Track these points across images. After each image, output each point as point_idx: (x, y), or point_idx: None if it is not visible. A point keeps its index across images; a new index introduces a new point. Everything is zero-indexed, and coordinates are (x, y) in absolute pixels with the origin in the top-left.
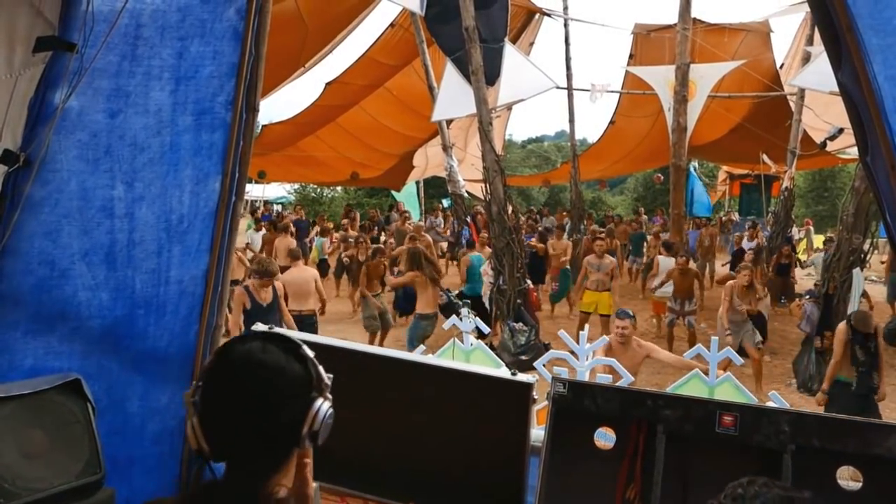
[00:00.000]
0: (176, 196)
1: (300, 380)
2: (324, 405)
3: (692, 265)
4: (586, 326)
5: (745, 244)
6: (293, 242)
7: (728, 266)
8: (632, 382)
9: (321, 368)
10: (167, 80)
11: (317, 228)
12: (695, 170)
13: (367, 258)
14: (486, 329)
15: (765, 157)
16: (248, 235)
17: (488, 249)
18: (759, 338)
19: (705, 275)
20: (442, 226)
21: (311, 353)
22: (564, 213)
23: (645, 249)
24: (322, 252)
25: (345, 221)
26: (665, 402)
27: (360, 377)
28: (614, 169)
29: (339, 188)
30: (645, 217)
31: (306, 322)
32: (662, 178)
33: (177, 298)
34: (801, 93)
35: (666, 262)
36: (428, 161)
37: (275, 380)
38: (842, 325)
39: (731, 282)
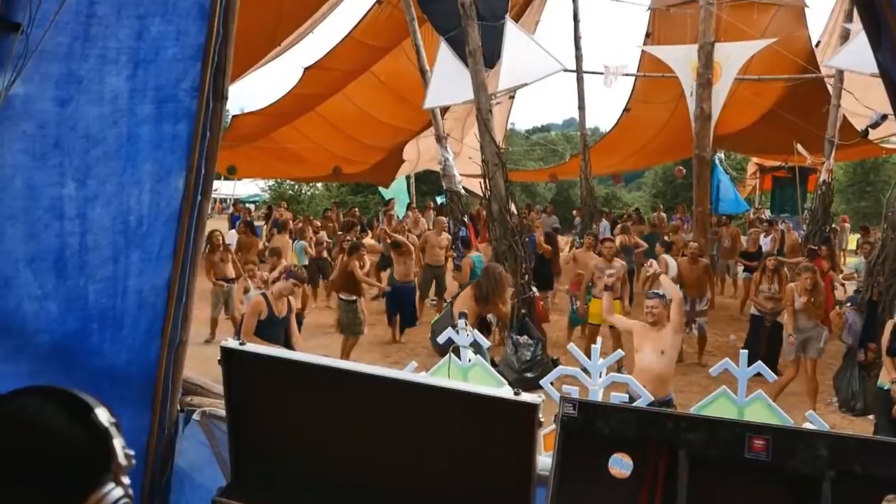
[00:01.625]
0: (134, 195)
1: (83, 453)
2: (114, 492)
3: (703, 259)
4: (598, 339)
5: (763, 240)
6: (289, 243)
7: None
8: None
9: (120, 443)
10: (124, 63)
11: (288, 228)
12: (721, 162)
13: (342, 256)
14: (485, 343)
15: (799, 147)
16: (229, 235)
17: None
18: (821, 345)
19: (726, 279)
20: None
21: (107, 421)
22: (574, 212)
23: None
24: (304, 256)
25: (319, 222)
26: (688, 424)
27: (340, 398)
28: (630, 162)
29: (319, 185)
30: (664, 216)
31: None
32: (684, 171)
33: (136, 311)
34: (840, 75)
35: (672, 263)
36: (420, 154)
37: (44, 447)
38: (890, 324)
39: (792, 284)
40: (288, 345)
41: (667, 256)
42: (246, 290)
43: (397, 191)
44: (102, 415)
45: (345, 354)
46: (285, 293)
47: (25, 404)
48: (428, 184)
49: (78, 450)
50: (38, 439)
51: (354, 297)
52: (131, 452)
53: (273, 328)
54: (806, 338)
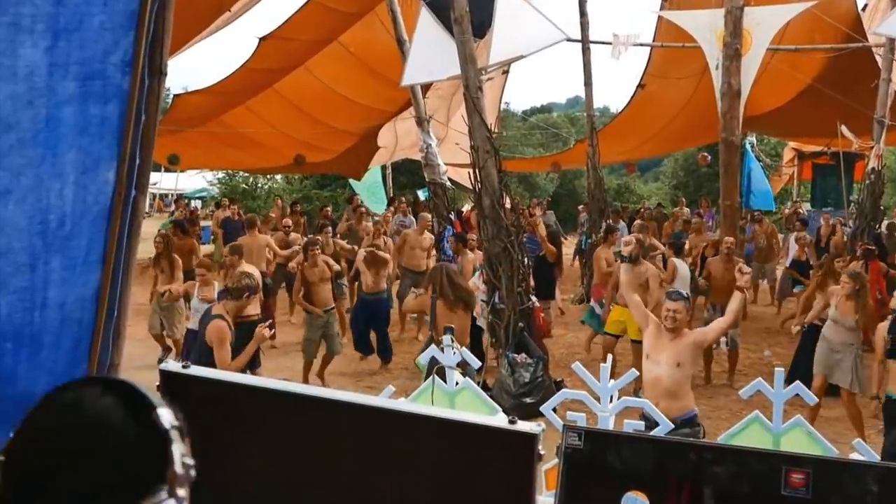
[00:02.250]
0: (55, 190)
1: (136, 455)
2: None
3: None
4: (609, 357)
5: (792, 242)
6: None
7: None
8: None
9: (180, 450)
10: (41, 33)
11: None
12: (752, 147)
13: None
14: (476, 363)
15: (844, 129)
16: None
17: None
18: (851, 373)
19: (760, 284)
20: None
21: (172, 422)
22: (580, 207)
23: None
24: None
25: (289, 219)
26: (714, 456)
27: (303, 429)
28: (645, 148)
29: (278, 177)
30: (686, 210)
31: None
32: (710, 158)
33: (57, 327)
34: (891, 44)
35: (682, 267)
36: (397, 140)
37: (95, 443)
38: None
39: (832, 288)
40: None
41: (676, 260)
42: (187, 299)
43: (371, 184)
44: (165, 416)
45: (318, 374)
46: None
47: (81, 396)
48: (407, 175)
49: (130, 450)
50: (90, 433)
51: (332, 307)
52: (191, 462)
53: (234, 353)
54: (835, 360)
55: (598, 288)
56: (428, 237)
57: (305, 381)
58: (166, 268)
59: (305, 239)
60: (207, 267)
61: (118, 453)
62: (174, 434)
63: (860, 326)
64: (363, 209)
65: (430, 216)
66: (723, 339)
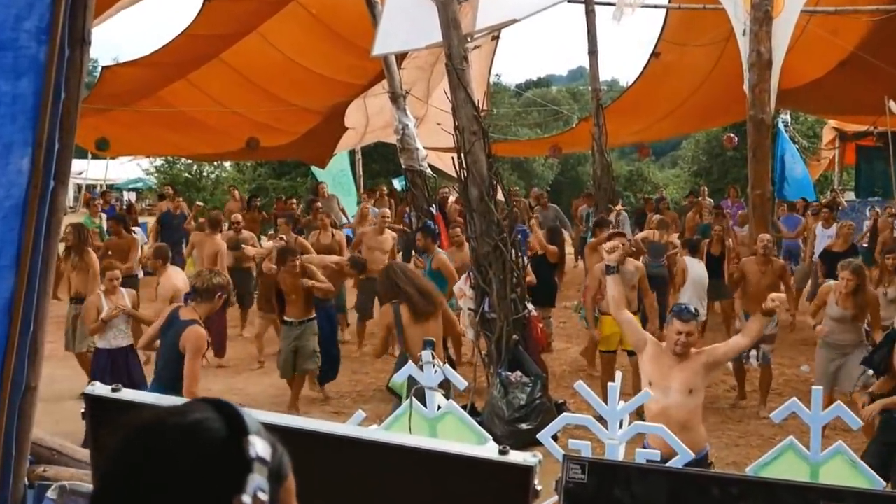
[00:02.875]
0: None
1: (212, 479)
2: None
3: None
4: (618, 375)
5: (820, 231)
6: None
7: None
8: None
9: (256, 484)
10: None
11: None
12: (786, 127)
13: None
14: (461, 383)
15: (893, 104)
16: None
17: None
18: (869, 373)
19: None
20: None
21: (256, 453)
22: (578, 200)
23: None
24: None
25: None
26: (741, 490)
27: None
28: (661, 128)
29: (227, 164)
30: (709, 201)
31: None
32: (736, 140)
33: None
34: None
35: (698, 268)
36: (368, 120)
37: (186, 464)
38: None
39: (830, 283)
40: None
41: (687, 259)
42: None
43: (337, 172)
44: (257, 445)
45: (290, 405)
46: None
47: (205, 417)
48: (381, 162)
49: (210, 474)
50: (192, 452)
51: (312, 317)
52: (265, 499)
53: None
54: (838, 366)
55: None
56: (389, 236)
57: (293, 406)
58: (79, 265)
59: (271, 241)
60: (117, 269)
61: (199, 476)
62: (256, 466)
63: (863, 322)
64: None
65: (387, 211)
66: (752, 353)
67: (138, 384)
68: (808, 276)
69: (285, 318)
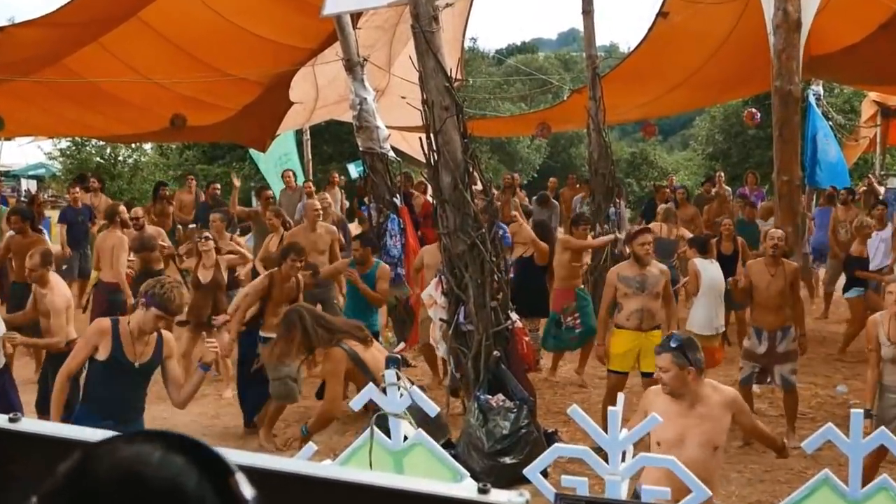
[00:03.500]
0: None
1: None
2: None
3: (791, 262)
4: (620, 397)
5: (874, 238)
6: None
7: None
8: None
9: None
10: None
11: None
12: (818, 101)
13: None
14: (433, 409)
15: None
16: None
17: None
18: None
19: (835, 296)
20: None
21: (250, 494)
22: (578, 186)
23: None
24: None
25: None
26: None
27: None
28: (669, 101)
29: (148, 147)
30: (728, 189)
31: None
32: (759, 116)
33: None
34: None
35: (712, 270)
36: (318, 93)
37: None
38: None
39: (875, 315)
40: None
41: (698, 261)
42: None
43: (280, 156)
44: (245, 484)
45: (266, 429)
46: (148, 329)
47: (139, 454)
48: (334, 144)
49: None
50: (161, 500)
51: None
52: None
53: (117, 382)
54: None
55: (560, 295)
56: (324, 234)
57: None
58: None
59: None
60: None
61: None
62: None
63: None
64: (269, 193)
65: (318, 203)
66: (772, 377)
67: (16, 409)
68: (837, 277)
69: (265, 336)
